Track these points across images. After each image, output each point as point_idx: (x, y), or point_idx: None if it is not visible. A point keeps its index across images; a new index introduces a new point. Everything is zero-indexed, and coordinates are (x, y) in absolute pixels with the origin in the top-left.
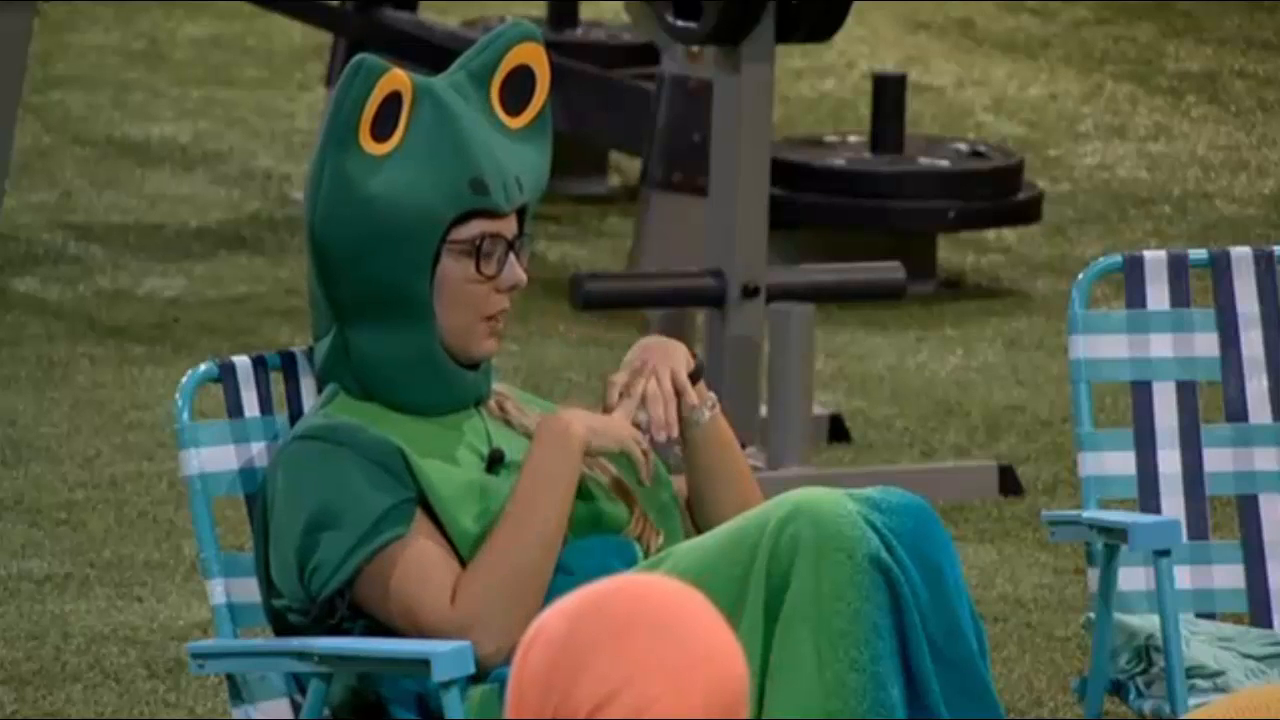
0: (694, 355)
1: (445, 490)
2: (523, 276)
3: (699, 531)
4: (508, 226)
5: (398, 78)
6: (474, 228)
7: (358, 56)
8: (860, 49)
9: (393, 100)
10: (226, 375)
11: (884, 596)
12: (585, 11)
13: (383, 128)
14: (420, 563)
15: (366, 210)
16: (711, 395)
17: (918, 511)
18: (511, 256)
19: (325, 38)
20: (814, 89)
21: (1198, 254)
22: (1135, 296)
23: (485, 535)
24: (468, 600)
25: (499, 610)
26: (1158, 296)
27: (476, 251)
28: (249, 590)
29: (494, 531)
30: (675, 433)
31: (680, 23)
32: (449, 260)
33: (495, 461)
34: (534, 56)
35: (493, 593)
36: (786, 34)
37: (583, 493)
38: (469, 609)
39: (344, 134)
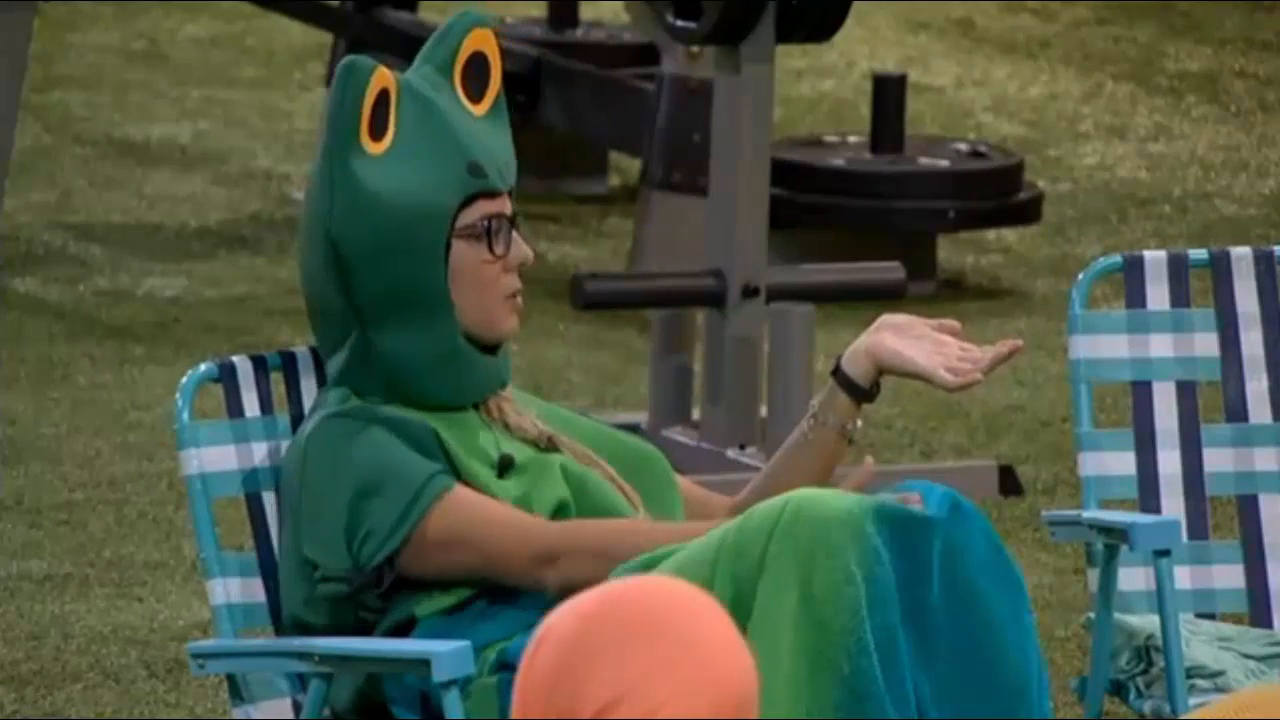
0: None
1: (475, 473)
2: (529, 252)
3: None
4: (505, 206)
5: (385, 75)
6: (478, 210)
7: (346, 59)
8: (860, 49)
9: (383, 98)
10: (226, 375)
11: (872, 605)
12: (585, 11)
13: (378, 126)
14: (484, 505)
15: (379, 209)
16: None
17: (954, 510)
18: (515, 234)
19: (325, 38)
20: (814, 89)
21: (1198, 254)
22: (1135, 296)
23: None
24: (569, 537)
25: (584, 566)
26: (1158, 296)
27: (487, 233)
28: (249, 590)
29: (634, 525)
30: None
31: (680, 23)
32: (461, 246)
33: (506, 467)
34: (486, 42)
35: (586, 555)
36: (786, 34)
37: (586, 492)
38: (568, 543)
39: (346, 137)
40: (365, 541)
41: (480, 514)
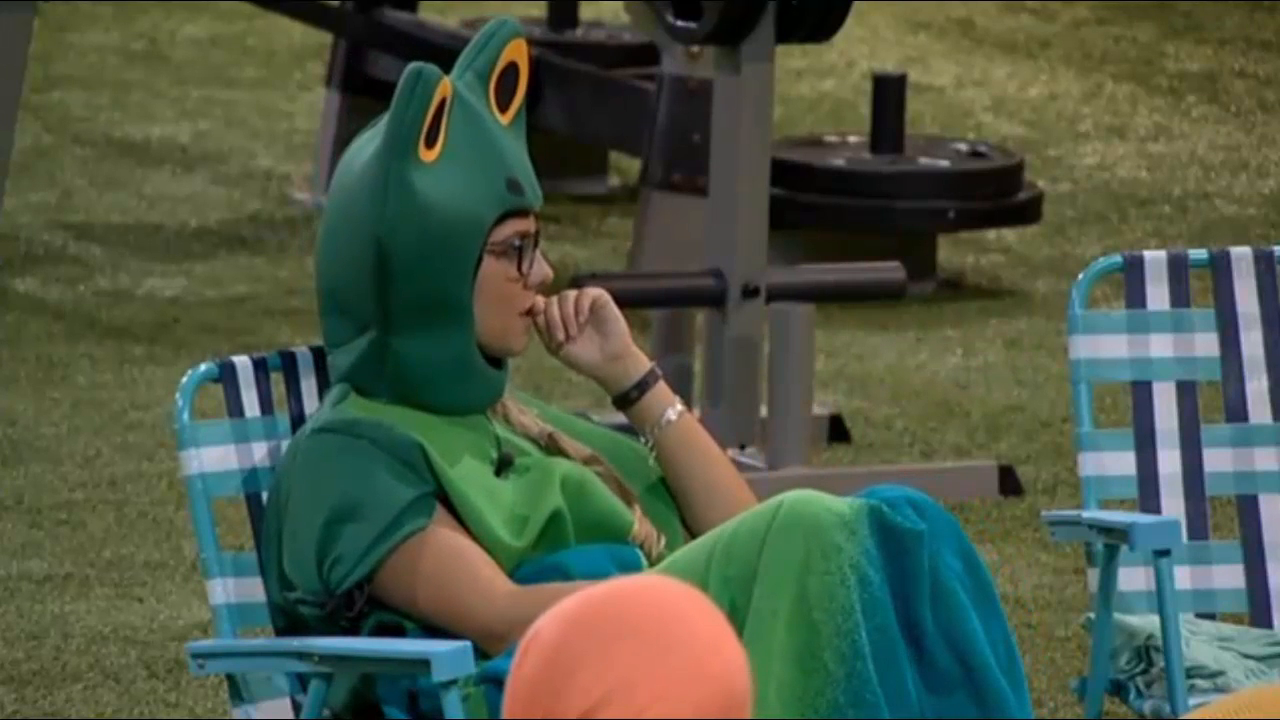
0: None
1: (464, 486)
2: (550, 272)
3: (692, 538)
4: (533, 224)
5: (446, 85)
6: (509, 228)
7: (414, 66)
8: (860, 49)
9: (440, 107)
10: (227, 375)
11: (866, 608)
12: (585, 11)
13: (432, 134)
14: (456, 553)
15: (428, 218)
16: (678, 398)
17: (933, 518)
18: (538, 252)
19: (325, 38)
20: (814, 89)
21: (1198, 254)
22: (1135, 296)
23: (518, 541)
24: (526, 609)
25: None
26: (1158, 296)
27: (517, 252)
28: (249, 590)
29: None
30: (569, 330)
31: (680, 23)
32: (491, 261)
33: (505, 465)
34: (522, 53)
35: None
36: (786, 34)
37: (585, 496)
38: (524, 617)
39: (406, 145)
40: (334, 566)
41: (449, 562)
